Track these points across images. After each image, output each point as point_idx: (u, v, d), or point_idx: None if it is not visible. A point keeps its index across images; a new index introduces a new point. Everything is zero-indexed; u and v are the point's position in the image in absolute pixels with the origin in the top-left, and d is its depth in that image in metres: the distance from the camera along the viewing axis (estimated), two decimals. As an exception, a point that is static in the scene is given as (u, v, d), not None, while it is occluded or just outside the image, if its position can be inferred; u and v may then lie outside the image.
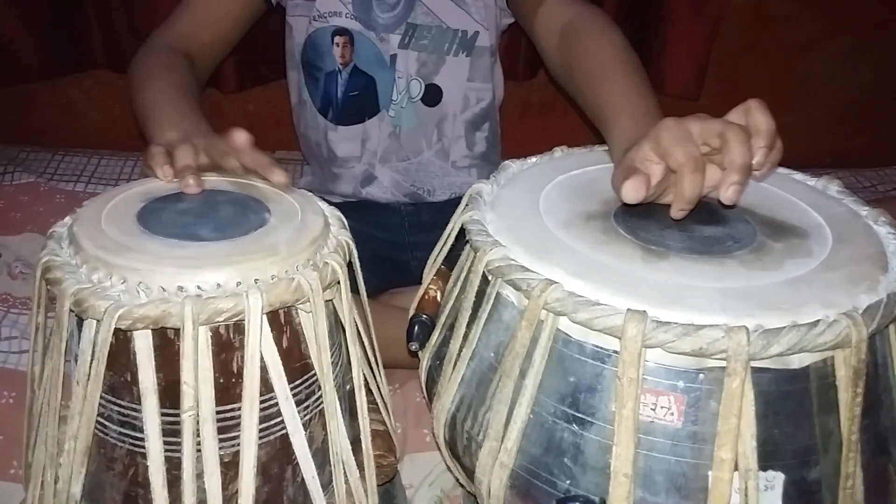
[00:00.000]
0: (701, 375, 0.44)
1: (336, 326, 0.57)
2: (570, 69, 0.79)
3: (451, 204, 0.89)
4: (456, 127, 1.03)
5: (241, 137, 0.63)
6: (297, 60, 1.01)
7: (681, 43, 1.28)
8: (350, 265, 0.57)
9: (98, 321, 0.46)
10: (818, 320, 0.44)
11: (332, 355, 0.54)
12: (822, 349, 0.44)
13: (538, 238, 0.53)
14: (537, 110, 1.41)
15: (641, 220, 0.55)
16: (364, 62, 0.98)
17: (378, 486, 0.60)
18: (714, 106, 1.50)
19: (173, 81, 0.78)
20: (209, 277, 0.48)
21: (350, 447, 0.56)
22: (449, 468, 0.61)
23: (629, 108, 0.67)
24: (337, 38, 0.97)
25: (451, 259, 0.64)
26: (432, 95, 1.00)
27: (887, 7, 1.37)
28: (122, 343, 0.48)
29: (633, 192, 0.52)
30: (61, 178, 1.20)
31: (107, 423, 0.50)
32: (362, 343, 0.59)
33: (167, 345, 0.48)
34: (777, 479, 0.45)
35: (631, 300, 0.45)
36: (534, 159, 0.68)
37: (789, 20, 1.38)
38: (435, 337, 0.61)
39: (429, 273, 0.65)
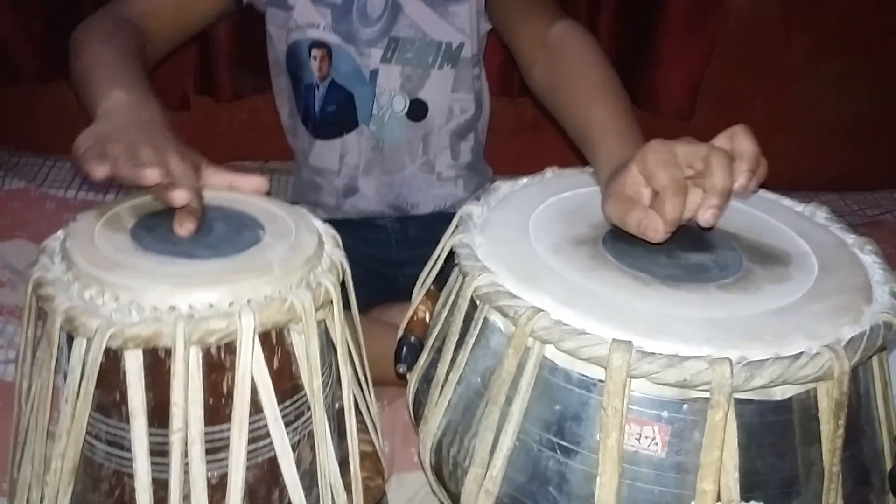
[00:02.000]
0: (685, 406, 0.45)
1: (328, 346, 0.57)
2: (553, 87, 0.79)
3: (438, 219, 0.89)
4: (441, 138, 1.03)
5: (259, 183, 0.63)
6: (283, 67, 1.00)
7: (674, 62, 1.30)
8: (343, 284, 0.57)
9: (89, 339, 0.46)
10: (801, 353, 0.44)
11: (322, 375, 0.54)
12: (804, 381, 0.44)
13: (527, 263, 0.53)
14: (530, 127, 1.43)
15: (629, 245, 0.56)
16: (342, 77, 0.97)
17: (365, 507, 0.60)
18: (707, 126, 1.52)
19: (125, 49, 0.74)
20: (202, 297, 0.48)
21: (338, 469, 0.56)
22: (434, 492, 0.62)
23: (615, 130, 0.68)
24: (314, 51, 0.96)
25: (441, 278, 0.64)
26: (418, 110, 1.00)
27: (879, 31, 1.40)
28: (112, 362, 0.48)
29: (655, 235, 0.52)
30: (52, 185, 1.20)
31: (94, 441, 0.50)
32: (353, 362, 0.59)
33: (157, 364, 0.48)
34: (758, 509, 0.46)
35: (617, 329, 0.46)
36: (524, 180, 0.68)
37: (783, 43, 1.40)
38: (423, 359, 0.62)
39: (418, 294, 0.65)
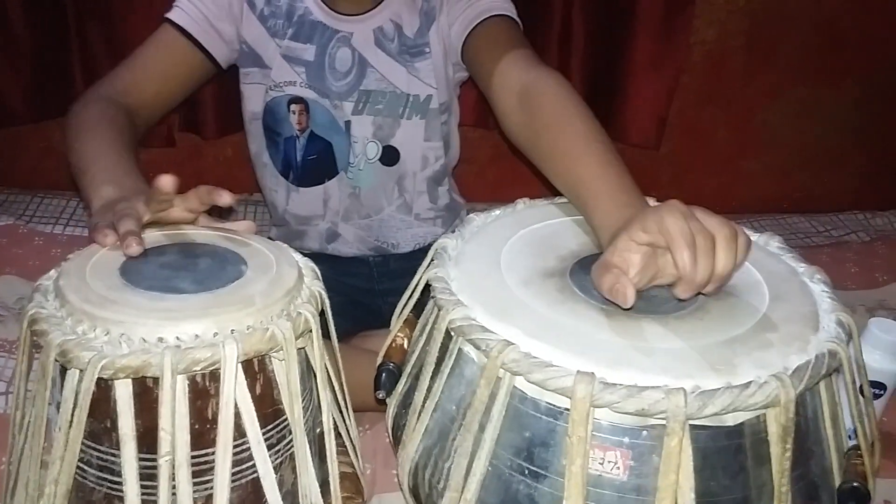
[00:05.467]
0: (644, 432, 0.48)
1: (307, 372, 0.60)
2: (534, 138, 0.77)
3: (418, 252, 0.92)
4: (417, 183, 1.07)
5: (165, 180, 0.62)
6: (251, 128, 1.04)
7: (641, 95, 1.34)
8: (322, 313, 0.60)
9: (81, 371, 0.49)
10: (750, 382, 0.47)
11: (303, 400, 0.57)
12: (753, 409, 0.48)
13: (498, 297, 0.56)
14: (507, 155, 1.46)
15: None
16: (320, 128, 1.01)
17: (345, 527, 0.62)
18: (675, 153, 1.57)
19: (112, 136, 0.78)
20: (188, 328, 0.51)
21: (319, 490, 0.58)
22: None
23: (607, 190, 0.65)
24: (293, 106, 1.00)
25: (419, 306, 0.67)
26: (390, 156, 1.03)
27: (839, 62, 1.45)
28: (103, 391, 0.50)
29: (624, 301, 0.53)
30: (40, 221, 1.22)
31: (86, 467, 0.52)
32: (332, 388, 0.62)
33: (146, 392, 0.50)
34: (714, 528, 0.49)
35: (581, 361, 0.49)
36: (497, 212, 0.71)
37: (746, 74, 1.45)
38: (401, 385, 0.64)
39: (396, 323, 0.68)
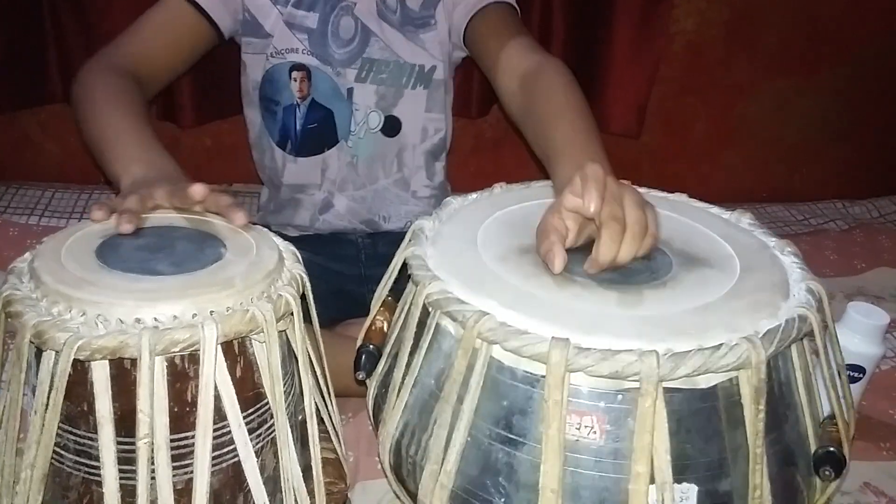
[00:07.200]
0: (619, 396, 0.49)
1: (289, 356, 0.60)
2: (525, 113, 0.85)
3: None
4: (416, 157, 1.08)
5: (198, 192, 0.63)
6: (254, 97, 1.05)
7: (621, 86, 1.36)
8: (304, 297, 0.60)
9: (57, 352, 0.48)
10: (721, 344, 0.48)
11: (284, 384, 0.57)
12: (725, 370, 0.48)
13: (474, 271, 0.57)
14: (490, 146, 1.48)
15: (570, 252, 0.59)
16: (322, 96, 1.02)
17: (328, 511, 0.62)
18: (655, 143, 1.60)
19: (131, 109, 0.78)
20: (166, 310, 0.50)
21: (301, 475, 0.58)
22: (395, 493, 0.64)
23: (570, 151, 0.72)
24: (294, 74, 1.01)
25: (399, 291, 0.67)
26: (391, 126, 1.05)
27: (817, 54, 1.48)
28: (79, 374, 0.50)
29: (552, 268, 0.57)
30: (15, 211, 1.21)
31: (63, 451, 0.52)
32: (314, 372, 0.62)
33: (124, 375, 0.50)
34: (691, 490, 0.50)
35: (556, 328, 0.49)
36: (474, 195, 0.72)
37: (726, 64, 1.47)
38: (381, 366, 0.64)
39: (375, 305, 0.68)
